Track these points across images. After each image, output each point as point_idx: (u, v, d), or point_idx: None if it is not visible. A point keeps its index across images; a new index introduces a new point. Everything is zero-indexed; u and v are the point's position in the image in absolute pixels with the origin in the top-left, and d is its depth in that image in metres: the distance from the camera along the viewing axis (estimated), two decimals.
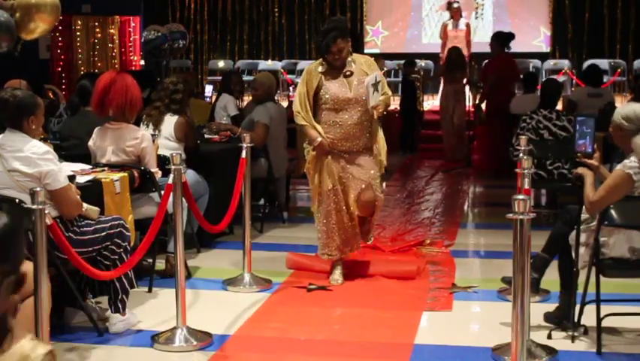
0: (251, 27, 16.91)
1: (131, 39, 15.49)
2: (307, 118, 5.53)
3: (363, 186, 5.55)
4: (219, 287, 5.64)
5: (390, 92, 5.63)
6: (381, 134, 5.71)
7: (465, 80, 11.73)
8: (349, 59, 5.55)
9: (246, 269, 5.71)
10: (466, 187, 9.96)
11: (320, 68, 5.55)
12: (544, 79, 14.43)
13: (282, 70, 15.47)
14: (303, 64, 15.69)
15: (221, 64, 16.45)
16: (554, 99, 7.77)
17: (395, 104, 13.22)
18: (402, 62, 13.48)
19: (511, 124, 10.42)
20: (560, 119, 7.51)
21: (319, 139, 5.50)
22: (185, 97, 6.50)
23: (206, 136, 7.50)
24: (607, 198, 4.30)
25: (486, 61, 11.71)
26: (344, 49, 5.46)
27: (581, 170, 4.58)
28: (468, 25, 13.30)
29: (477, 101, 11.21)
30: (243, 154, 5.71)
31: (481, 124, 10.86)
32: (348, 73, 5.55)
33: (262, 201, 7.67)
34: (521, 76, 10.73)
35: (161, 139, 6.20)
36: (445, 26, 13.28)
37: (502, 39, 10.64)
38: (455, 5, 13.09)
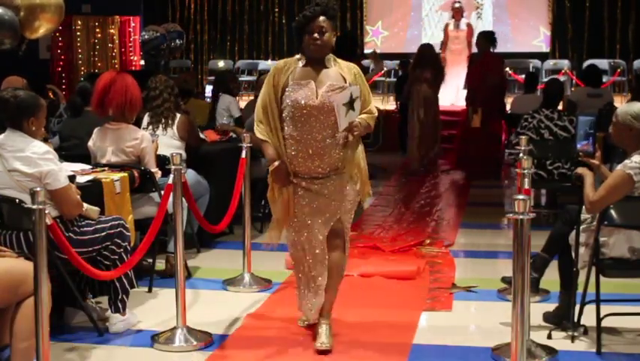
0: (251, 27, 16.91)
1: (131, 39, 15.49)
2: (266, 131, 4.37)
3: (334, 218, 4.44)
4: (219, 287, 5.64)
5: (375, 111, 4.48)
6: (361, 154, 4.54)
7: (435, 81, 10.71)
8: (331, 57, 4.39)
9: (245, 269, 5.71)
10: (465, 187, 9.96)
11: (292, 65, 4.37)
12: (544, 79, 14.45)
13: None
14: None
15: (221, 64, 16.45)
16: (557, 99, 7.77)
17: (395, 104, 13.25)
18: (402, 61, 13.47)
19: (507, 124, 10.47)
20: (562, 120, 7.51)
21: (276, 163, 4.35)
22: (169, 95, 6.39)
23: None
24: (607, 198, 4.30)
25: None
26: (326, 32, 4.28)
27: (580, 170, 4.58)
28: (469, 26, 13.29)
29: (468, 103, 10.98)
30: (243, 154, 5.71)
31: (469, 125, 10.80)
32: (321, 74, 4.36)
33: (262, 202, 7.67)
34: (509, 76, 10.74)
35: (165, 138, 6.19)
36: (446, 25, 13.28)
37: (488, 38, 10.59)
38: (456, 5, 13.09)
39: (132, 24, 15.57)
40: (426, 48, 10.85)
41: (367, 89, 4.44)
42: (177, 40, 12.88)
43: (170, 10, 17.21)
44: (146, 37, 12.82)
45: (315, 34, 4.27)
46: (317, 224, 4.42)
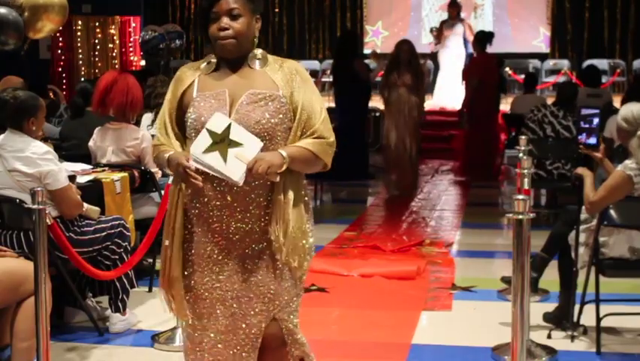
0: None
1: (132, 39, 15.49)
2: (167, 142, 2.97)
3: (263, 324, 2.95)
4: None
5: (329, 136, 2.95)
6: (301, 200, 2.94)
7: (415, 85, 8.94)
8: (257, 53, 2.96)
9: None
10: (465, 187, 9.96)
11: (199, 69, 2.97)
12: (544, 79, 14.46)
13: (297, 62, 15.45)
14: (303, 64, 15.58)
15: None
16: (569, 101, 7.74)
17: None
18: None
19: (506, 124, 10.47)
20: (566, 119, 7.52)
21: (186, 162, 2.82)
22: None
23: None
24: (607, 199, 4.31)
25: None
26: (240, 17, 2.85)
27: (580, 170, 4.59)
28: (469, 26, 13.22)
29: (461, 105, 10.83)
30: None
31: (462, 128, 10.78)
32: (240, 78, 2.92)
33: None
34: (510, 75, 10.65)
35: None
36: (442, 23, 13.19)
37: (482, 39, 10.58)
38: (452, 7, 13.03)
39: (132, 24, 15.57)
40: (403, 46, 9.01)
41: (315, 99, 2.93)
42: (177, 41, 12.88)
43: (170, 10, 17.20)
44: (146, 37, 12.82)
45: (223, 22, 2.82)
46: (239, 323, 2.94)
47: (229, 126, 2.76)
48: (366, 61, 11.05)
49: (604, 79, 12.23)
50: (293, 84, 2.90)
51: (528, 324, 4.10)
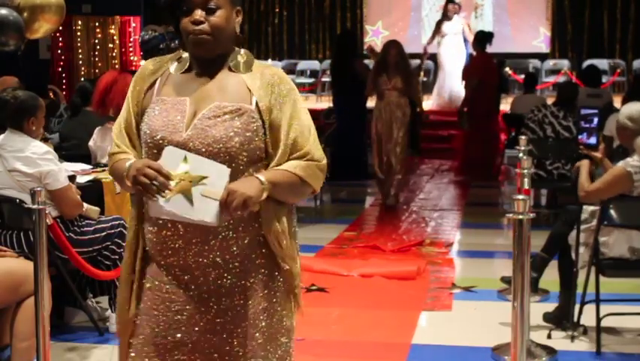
0: (251, 27, 16.91)
1: (131, 39, 15.49)
2: (121, 145, 2.51)
3: None
4: None
5: (318, 157, 2.46)
6: (290, 232, 2.49)
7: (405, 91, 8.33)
8: (241, 53, 2.48)
9: None
10: (465, 187, 9.96)
11: (165, 67, 2.50)
12: (544, 79, 14.46)
13: (281, 70, 15.46)
14: (303, 64, 15.70)
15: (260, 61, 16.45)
16: (569, 102, 7.75)
17: None
18: None
19: (506, 124, 10.47)
20: (567, 119, 7.52)
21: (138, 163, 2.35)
22: None
23: None
24: (603, 191, 4.32)
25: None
26: (218, 9, 2.38)
27: (578, 163, 4.63)
28: (465, 23, 13.20)
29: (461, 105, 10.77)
30: None
31: (463, 128, 10.77)
32: (209, 85, 2.44)
33: None
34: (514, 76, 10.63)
35: None
36: (439, 22, 13.15)
37: (482, 39, 10.58)
38: (450, 6, 13.01)
39: (132, 24, 15.57)
40: (391, 50, 8.39)
41: (303, 116, 2.47)
42: (177, 41, 12.89)
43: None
44: (145, 37, 12.83)
45: (197, 15, 2.37)
46: None
47: (185, 160, 2.30)
48: (366, 61, 11.04)
49: (604, 79, 12.23)
50: (273, 97, 2.41)
51: (528, 324, 4.10)
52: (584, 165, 4.54)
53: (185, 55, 2.48)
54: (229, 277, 2.40)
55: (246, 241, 2.40)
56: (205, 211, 2.27)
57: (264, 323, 2.42)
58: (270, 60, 16.18)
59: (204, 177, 2.28)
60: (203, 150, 2.33)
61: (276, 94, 2.42)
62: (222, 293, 2.40)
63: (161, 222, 2.38)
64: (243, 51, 2.48)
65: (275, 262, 2.44)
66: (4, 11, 6.41)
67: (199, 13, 2.37)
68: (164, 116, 2.39)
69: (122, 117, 2.52)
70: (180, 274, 2.41)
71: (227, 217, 2.31)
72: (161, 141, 2.37)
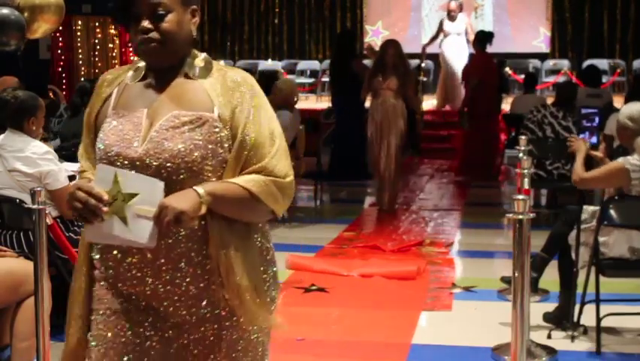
0: (251, 27, 16.91)
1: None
2: (87, 167, 2.36)
3: None
4: None
5: (280, 172, 2.20)
6: (252, 248, 2.24)
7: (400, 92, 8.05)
8: (199, 58, 2.29)
9: None
10: (465, 187, 9.96)
11: (121, 78, 2.31)
12: (544, 79, 14.46)
13: (282, 70, 15.48)
14: (303, 64, 15.71)
15: (221, 64, 16.45)
16: (568, 101, 7.76)
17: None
18: None
19: (506, 124, 10.47)
20: (566, 119, 7.52)
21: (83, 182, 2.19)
22: None
23: None
24: (598, 181, 4.35)
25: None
26: (169, 13, 2.18)
27: (576, 145, 4.66)
28: (468, 23, 13.19)
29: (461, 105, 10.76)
30: None
31: (463, 128, 10.77)
32: (165, 94, 2.23)
33: None
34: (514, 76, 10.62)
35: None
36: (441, 22, 13.15)
37: (482, 39, 10.57)
38: (453, 4, 13.02)
39: None
40: (389, 50, 8.14)
41: (266, 124, 2.22)
42: None
43: None
44: None
45: (144, 24, 2.16)
46: None
47: (116, 178, 2.10)
48: (366, 61, 11.03)
49: (604, 79, 12.23)
50: (236, 102, 2.18)
51: (528, 324, 4.09)
52: (581, 150, 4.56)
53: (142, 63, 2.26)
54: (202, 306, 2.16)
55: (201, 274, 2.16)
56: (139, 231, 2.08)
57: (241, 353, 2.22)
58: (270, 60, 16.20)
59: (136, 195, 2.08)
60: (160, 165, 2.11)
61: (238, 100, 2.19)
62: (193, 323, 2.17)
63: (125, 248, 2.15)
64: (202, 56, 2.28)
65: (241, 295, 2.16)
66: (5, 11, 6.41)
67: (146, 21, 2.15)
68: (119, 130, 2.18)
69: (83, 135, 2.36)
70: (144, 310, 2.17)
71: (163, 235, 2.10)
72: (115, 158, 2.15)
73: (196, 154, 2.12)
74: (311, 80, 15.18)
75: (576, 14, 15.45)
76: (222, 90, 2.20)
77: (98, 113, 2.29)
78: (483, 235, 7.45)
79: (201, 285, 2.17)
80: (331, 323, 4.92)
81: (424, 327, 4.91)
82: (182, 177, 2.11)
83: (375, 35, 16.49)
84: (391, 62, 8.02)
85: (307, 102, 13.80)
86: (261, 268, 2.23)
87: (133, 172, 2.10)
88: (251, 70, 13.17)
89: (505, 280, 5.37)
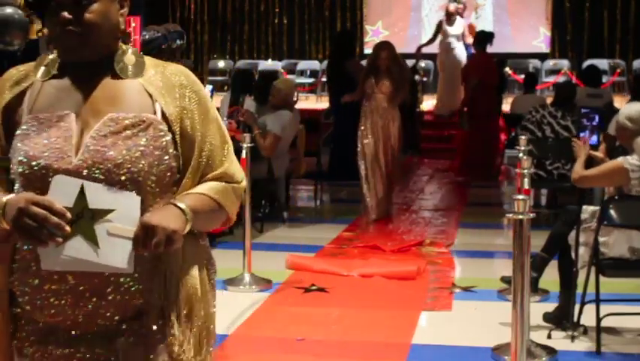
0: (251, 27, 16.91)
1: (132, 39, 15.50)
2: None
3: None
4: (219, 287, 5.58)
5: (238, 177, 2.01)
6: (203, 270, 1.99)
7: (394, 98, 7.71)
8: (128, 53, 1.97)
9: (245, 269, 5.71)
10: (465, 187, 9.96)
11: (33, 76, 1.97)
12: (544, 79, 14.46)
13: (282, 70, 15.49)
14: (303, 64, 15.71)
15: (221, 64, 16.46)
16: (567, 101, 7.76)
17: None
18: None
19: (506, 124, 10.47)
20: (565, 119, 7.52)
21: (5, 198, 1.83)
22: None
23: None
24: (597, 179, 4.37)
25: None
26: (90, 3, 1.88)
27: (577, 147, 4.68)
28: (470, 26, 13.18)
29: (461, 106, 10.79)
30: (243, 154, 5.71)
31: (463, 128, 10.77)
32: (96, 93, 1.91)
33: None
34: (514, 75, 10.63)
35: None
36: (440, 23, 13.12)
37: (482, 39, 10.57)
38: (451, 7, 13.01)
39: (132, 24, 15.57)
40: (381, 53, 7.80)
41: (217, 126, 1.99)
42: (178, 41, 12.89)
43: (170, 10, 17.21)
44: (147, 37, 12.85)
45: (63, 14, 1.85)
46: None
47: (82, 191, 1.78)
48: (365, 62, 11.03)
49: (604, 79, 12.23)
50: (182, 101, 1.93)
51: (528, 324, 4.10)
52: (582, 153, 4.59)
53: (52, 56, 1.96)
54: (130, 338, 1.88)
55: (155, 294, 1.88)
56: (114, 255, 1.77)
57: None
58: (270, 60, 16.20)
59: (109, 212, 1.78)
60: (102, 178, 1.81)
61: (186, 97, 1.94)
62: (120, 356, 1.88)
63: (44, 273, 1.82)
64: (131, 50, 1.96)
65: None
66: (9, 10, 6.42)
67: (66, 11, 1.84)
68: (44, 138, 1.84)
69: None
70: (68, 337, 1.88)
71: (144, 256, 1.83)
72: (44, 171, 1.82)
73: (143, 163, 1.84)
74: (311, 80, 15.19)
75: (576, 14, 15.46)
76: (165, 86, 1.93)
77: (6, 118, 1.92)
78: (483, 235, 7.45)
79: (128, 314, 1.87)
80: (331, 323, 4.92)
81: (424, 327, 4.91)
82: (124, 190, 1.82)
83: (375, 35, 16.49)
84: (384, 65, 7.69)
85: (307, 102, 13.80)
86: (211, 295, 2.00)
87: (102, 185, 1.80)
88: (251, 70, 13.23)
89: (505, 280, 5.37)
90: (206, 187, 1.93)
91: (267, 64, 15.86)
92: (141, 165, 1.84)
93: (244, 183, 2.03)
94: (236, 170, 2.00)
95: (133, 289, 1.85)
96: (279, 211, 7.84)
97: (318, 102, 13.97)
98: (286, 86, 7.87)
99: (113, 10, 1.91)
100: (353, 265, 6.02)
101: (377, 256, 6.38)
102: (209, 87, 11.15)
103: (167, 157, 1.88)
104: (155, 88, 1.92)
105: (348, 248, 6.72)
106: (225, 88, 14.03)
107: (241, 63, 16.41)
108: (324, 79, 14.52)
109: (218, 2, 17.08)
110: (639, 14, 15.19)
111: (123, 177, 1.82)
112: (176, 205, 1.84)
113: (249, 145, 5.76)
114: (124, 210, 1.79)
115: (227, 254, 6.50)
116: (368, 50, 15.54)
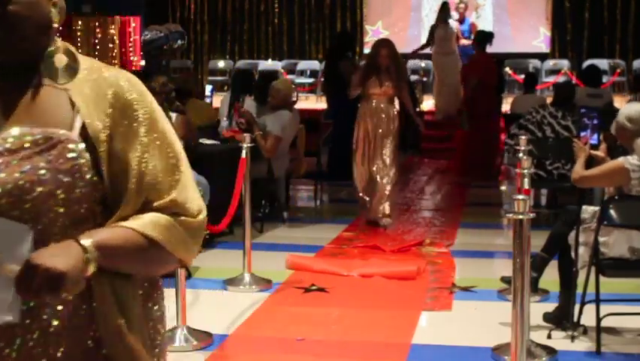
0: (251, 27, 16.91)
1: (131, 39, 15.50)
2: None
3: None
4: (219, 287, 5.65)
5: (192, 208, 1.63)
6: (148, 314, 1.79)
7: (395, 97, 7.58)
8: (59, 53, 1.59)
9: (245, 269, 5.71)
10: (465, 187, 9.96)
11: None
12: (544, 79, 14.46)
13: (281, 70, 15.49)
14: (303, 64, 15.70)
15: (221, 64, 16.46)
16: (566, 101, 7.77)
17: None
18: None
19: (506, 124, 10.46)
20: (565, 119, 7.52)
21: None
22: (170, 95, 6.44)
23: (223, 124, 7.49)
24: (597, 179, 4.37)
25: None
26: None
27: (578, 149, 4.69)
28: (457, 28, 13.18)
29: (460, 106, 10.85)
30: (243, 154, 5.71)
31: (463, 128, 10.77)
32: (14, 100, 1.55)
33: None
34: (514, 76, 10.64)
35: None
36: (434, 26, 13.13)
37: (482, 39, 10.57)
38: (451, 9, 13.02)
39: (132, 24, 15.58)
40: (381, 51, 7.54)
41: (166, 144, 1.62)
42: (179, 41, 12.91)
43: (170, 10, 17.21)
44: (148, 37, 12.85)
45: None
46: None
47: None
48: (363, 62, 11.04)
49: (604, 79, 12.24)
50: (114, 114, 1.57)
51: (528, 324, 4.10)
52: (583, 153, 4.60)
53: None
54: None
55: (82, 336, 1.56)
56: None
57: None
58: (270, 60, 16.19)
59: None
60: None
61: (118, 110, 1.56)
62: None
63: None
64: (63, 49, 1.61)
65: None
66: None
67: None
68: None
69: None
70: None
71: (30, 302, 1.47)
72: None
73: (40, 189, 1.49)
74: (311, 80, 15.19)
75: (576, 14, 15.46)
76: (94, 95, 1.57)
77: None
78: (483, 235, 7.45)
79: (58, 355, 1.54)
80: (331, 323, 4.92)
81: (424, 327, 4.91)
82: (20, 222, 1.47)
83: (375, 35, 16.49)
84: (385, 63, 7.43)
85: (307, 102, 13.80)
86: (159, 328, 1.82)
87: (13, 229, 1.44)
88: (251, 70, 13.25)
89: (505, 280, 5.37)
90: (139, 221, 1.54)
91: (267, 64, 15.87)
92: (37, 192, 1.49)
93: (201, 217, 1.63)
94: (191, 199, 1.61)
95: (58, 331, 1.52)
96: (279, 211, 7.85)
97: (318, 102, 13.97)
98: (285, 86, 7.88)
99: (43, 3, 1.57)
100: (353, 265, 6.02)
101: (377, 256, 6.38)
102: (209, 87, 11.16)
103: (81, 183, 1.52)
104: (83, 98, 1.55)
105: (348, 248, 6.72)
106: (225, 88, 14.03)
107: (241, 63, 16.42)
108: (323, 79, 14.56)
109: (218, 2, 17.09)
110: (639, 14, 15.19)
111: (19, 207, 1.48)
112: (76, 241, 1.47)
113: (249, 145, 5.76)
114: (11, 246, 1.43)
115: (227, 254, 6.51)
116: (368, 50, 15.57)
